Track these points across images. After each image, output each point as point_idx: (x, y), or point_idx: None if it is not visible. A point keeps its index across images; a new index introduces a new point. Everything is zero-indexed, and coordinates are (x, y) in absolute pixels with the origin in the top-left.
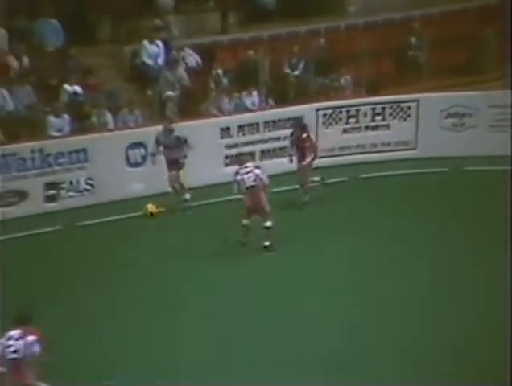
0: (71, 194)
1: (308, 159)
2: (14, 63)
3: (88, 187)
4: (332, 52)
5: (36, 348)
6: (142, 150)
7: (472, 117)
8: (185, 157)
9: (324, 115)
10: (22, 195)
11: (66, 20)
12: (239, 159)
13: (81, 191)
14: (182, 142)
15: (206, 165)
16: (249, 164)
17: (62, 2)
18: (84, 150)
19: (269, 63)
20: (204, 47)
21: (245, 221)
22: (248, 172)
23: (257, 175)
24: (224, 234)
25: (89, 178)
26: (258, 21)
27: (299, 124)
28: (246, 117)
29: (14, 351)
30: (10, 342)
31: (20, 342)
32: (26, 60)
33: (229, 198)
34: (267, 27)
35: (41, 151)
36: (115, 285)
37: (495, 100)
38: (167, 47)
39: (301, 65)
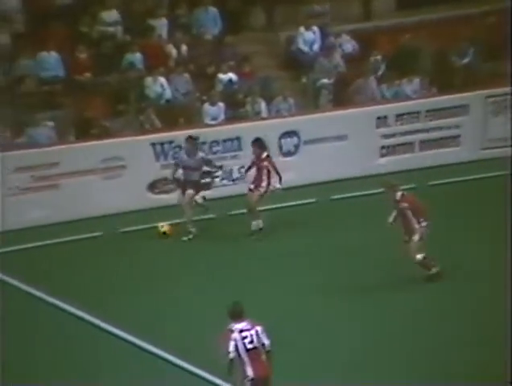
0: (224, 182)
1: (263, 187)
2: (173, 51)
3: (241, 176)
4: (499, 35)
5: (265, 338)
6: (295, 139)
7: None
8: (211, 176)
9: (494, 103)
10: (177, 183)
11: (223, 7)
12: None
13: (234, 180)
14: (205, 163)
15: (361, 155)
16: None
17: None
18: (238, 139)
19: (433, 48)
20: (362, 32)
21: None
22: None
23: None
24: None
25: (243, 167)
26: (421, 4)
27: (258, 143)
28: (405, 106)
29: (251, 342)
30: (244, 334)
31: (252, 332)
32: (184, 49)
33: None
34: (432, 11)
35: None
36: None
37: None
38: (324, 34)
39: (470, 51)
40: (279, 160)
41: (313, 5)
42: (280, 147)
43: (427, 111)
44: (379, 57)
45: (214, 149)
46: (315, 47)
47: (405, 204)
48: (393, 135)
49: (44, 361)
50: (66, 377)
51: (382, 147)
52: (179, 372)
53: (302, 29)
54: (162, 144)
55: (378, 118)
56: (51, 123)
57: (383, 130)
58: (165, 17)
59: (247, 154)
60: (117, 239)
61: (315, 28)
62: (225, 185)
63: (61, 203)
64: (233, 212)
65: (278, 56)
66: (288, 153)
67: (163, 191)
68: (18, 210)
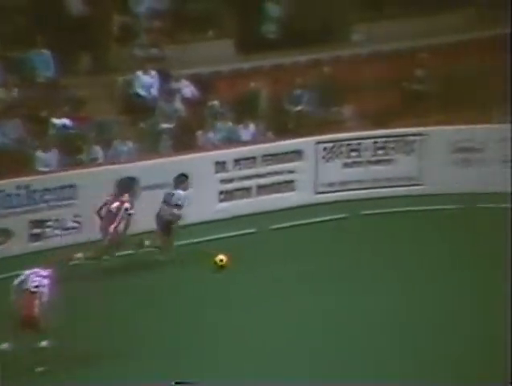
0: (57, 232)
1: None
2: (2, 94)
3: (76, 225)
4: (335, 83)
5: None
6: None
7: (480, 151)
8: None
9: (325, 148)
10: (6, 234)
11: (57, 50)
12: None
13: (68, 229)
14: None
15: (200, 200)
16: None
17: (53, 32)
18: (71, 186)
19: (270, 93)
20: (201, 77)
21: None
22: None
23: None
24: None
25: (77, 216)
26: (259, 50)
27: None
28: (243, 151)
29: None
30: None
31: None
32: (16, 92)
33: (222, 235)
34: (268, 57)
35: (27, 187)
36: None
37: (505, 134)
38: (163, 78)
39: (305, 98)
40: None
41: (151, 48)
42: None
43: (264, 156)
44: (216, 102)
45: (46, 197)
46: (154, 91)
47: None
48: (231, 180)
49: None
50: None
51: (221, 192)
52: None
53: (139, 73)
54: None
55: (217, 163)
56: None
57: (222, 175)
58: None
59: (82, 203)
60: None
61: (152, 72)
62: (57, 235)
63: None
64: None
65: (116, 100)
66: None
67: None
68: None
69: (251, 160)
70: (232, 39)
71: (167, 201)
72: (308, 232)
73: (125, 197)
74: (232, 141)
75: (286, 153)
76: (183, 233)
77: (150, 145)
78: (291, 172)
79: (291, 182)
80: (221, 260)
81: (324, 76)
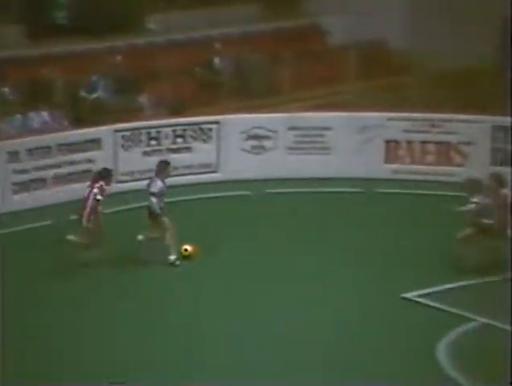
0: None
1: None
2: None
3: None
4: (131, 71)
5: None
6: None
7: (271, 139)
8: None
9: (123, 137)
10: None
11: None
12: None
13: None
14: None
15: None
16: None
17: None
18: None
19: (64, 81)
20: None
21: None
22: None
23: None
24: None
25: None
26: (50, 37)
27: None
28: (37, 140)
29: None
30: None
31: None
32: None
33: (18, 228)
34: (61, 43)
35: None
36: None
37: (293, 123)
38: None
39: (100, 86)
40: None
41: None
42: None
43: (59, 145)
44: (6, 89)
45: None
46: None
47: None
48: (25, 171)
49: None
50: None
51: (14, 184)
52: None
53: None
54: None
55: (9, 153)
56: None
57: (14, 166)
58: None
59: None
60: None
61: None
62: None
63: None
64: None
65: None
66: None
67: None
68: None
69: (46, 150)
70: (20, 24)
71: (148, 188)
72: (108, 222)
73: (99, 184)
74: (24, 129)
75: (84, 142)
76: None
77: None
78: (89, 161)
79: (90, 171)
80: (186, 250)
81: (119, 65)
